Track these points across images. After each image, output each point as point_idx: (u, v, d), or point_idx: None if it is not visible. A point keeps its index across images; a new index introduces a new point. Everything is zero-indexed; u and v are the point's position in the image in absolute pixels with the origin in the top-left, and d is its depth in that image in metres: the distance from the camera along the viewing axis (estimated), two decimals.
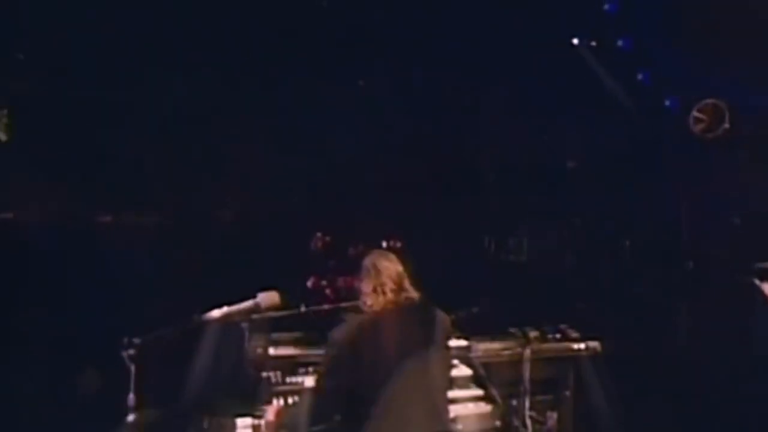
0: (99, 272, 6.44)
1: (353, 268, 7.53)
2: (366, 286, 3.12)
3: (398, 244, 7.82)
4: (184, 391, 3.41)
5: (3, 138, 7.81)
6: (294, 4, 7.10)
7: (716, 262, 5.41)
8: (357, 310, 3.29)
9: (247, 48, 7.01)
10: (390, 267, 3.14)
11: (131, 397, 2.84)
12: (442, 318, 3.16)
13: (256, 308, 2.78)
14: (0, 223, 7.72)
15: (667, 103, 6.86)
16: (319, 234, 7.98)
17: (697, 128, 5.70)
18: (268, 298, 2.81)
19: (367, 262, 3.20)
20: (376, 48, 7.60)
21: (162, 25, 6.97)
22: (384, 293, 3.07)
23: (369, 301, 3.10)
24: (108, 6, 6.84)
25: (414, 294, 3.13)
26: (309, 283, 7.15)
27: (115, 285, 6.24)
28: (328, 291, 7.05)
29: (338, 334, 3.06)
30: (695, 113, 5.75)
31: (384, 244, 7.93)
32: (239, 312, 2.77)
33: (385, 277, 3.10)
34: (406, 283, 3.15)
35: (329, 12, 7.40)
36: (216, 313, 2.75)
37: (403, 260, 3.14)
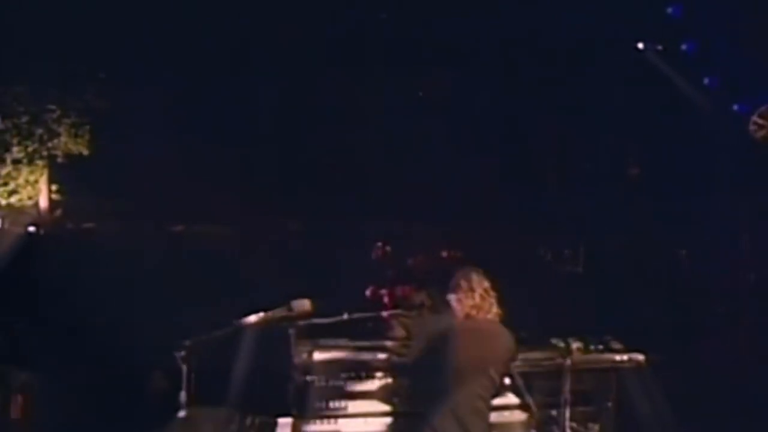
0: (171, 275, 6.79)
1: (411, 278, 7.61)
2: (456, 294, 3.39)
3: (458, 255, 7.86)
4: (229, 390, 3.61)
5: (85, 152, 8.34)
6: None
7: None
8: (401, 317, 3.53)
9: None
10: (480, 280, 3.44)
11: (183, 394, 3.05)
12: (507, 341, 3.36)
13: (288, 314, 2.95)
14: (82, 233, 8.22)
15: (736, 107, 6.64)
16: (379, 244, 8.11)
17: (758, 135, 5.48)
18: (300, 304, 2.99)
19: (460, 274, 3.50)
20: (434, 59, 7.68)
21: (227, 49, 7.28)
22: (472, 299, 3.33)
23: (459, 306, 3.37)
24: (186, 27, 7.21)
25: (494, 310, 3.33)
26: (367, 292, 7.30)
27: (185, 287, 6.58)
28: (386, 300, 7.17)
29: (418, 323, 3.48)
30: (756, 119, 5.54)
31: (444, 254, 7.99)
32: (273, 317, 2.95)
33: (475, 285, 3.38)
34: (492, 297, 3.39)
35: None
36: (252, 318, 2.93)
37: (491, 277, 3.37)
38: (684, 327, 5.06)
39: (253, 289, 6.89)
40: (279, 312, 2.93)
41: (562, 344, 3.89)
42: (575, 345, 3.86)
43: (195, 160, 7.94)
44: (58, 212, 8.33)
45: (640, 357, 3.86)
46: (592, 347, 3.87)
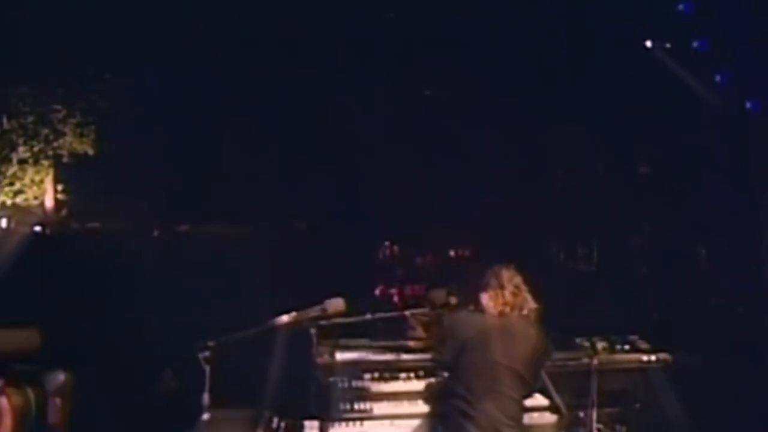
0: (177, 276, 6.74)
1: (420, 277, 7.54)
2: (487, 292, 3.35)
3: (466, 253, 7.80)
4: (256, 392, 3.54)
5: (90, 152, 8.28)
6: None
7: None
8: (422, 315, 3.47)
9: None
10: (511, 276, 3.36)
11: (206, 396, 2.98)
12: (538, 340, 3.34)
13: (322, 314, 2.88)
14: (88, 232, 8.16)
15: (749, 105, 6.59)
16: (386, 243, 8.04)
17: None
18: (334, 304, 2.91)
19: (490, 272, 3.47)
20: (444, 56, 7.62)
21: (232, 48, 7.22)
22: (503, 296, 3.27)
23: (491, 303, 3.31)
24: (191, 27, 7.16)
25: (529, 306, 3.29)
26: (377, 292, 7.24)
27: (191, 288, 6.53)
28: (395, 299, 7.11)
29: (451, 320, 3.41)
30: None
31: (452, 253, 7.93)
32: (307, 317, 2.88)
33: (505, 282, 3.32)
34: (524, 293, 3.33)
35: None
36: (285, 318, 2.86)
37: (522, 273, 3.31)
38: (703, 327, 4.99)
39: (260, 288, 6.85)
40: (312, 311, 2.86)
41: (586, 344, 3.84)
42: (600, 345, 3.80)
43: (200, 160, 7.88)
44: (64, 212, 8.26)
45: (668, 357, 3.80)
46: (618, 347, 3.81)
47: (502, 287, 3.28)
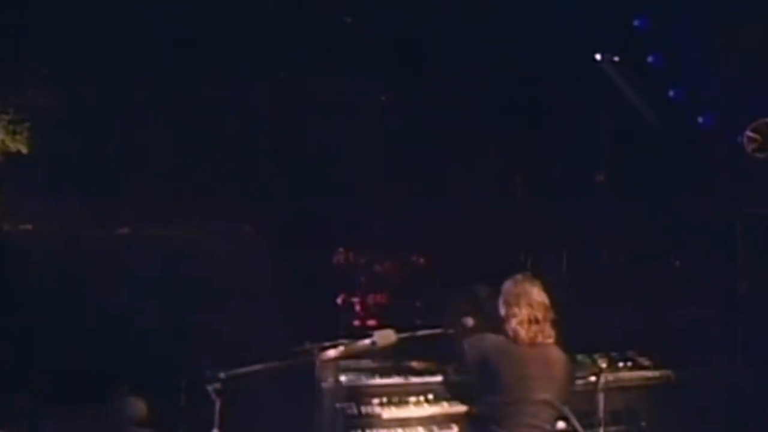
0: (115, 283, 6.37)
1: (380, 285, 7.38)
2: (514, 314, 3.09)
3: (422, 260, 7.74)
4: (263, 424, 3.32)
5: (23, 150, 7.74)
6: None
7: None
8: (439, 336, 3.33)
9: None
10: (539, 294, 3.17)
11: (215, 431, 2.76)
12: (569, 367, 3.30)
13: (372, 347, 2.69)
14: (20, 235, 7.62)
15: (700, 120, 6.84)
16: (341, 249, 7.87)
17: (750, 147, 5.67)
18: (384, 336, 2.73)
19: (517, 289, 3.19)
20: (400, 62, 7.56)
21: (183, 46, 6.90)
22: (537, 322, 3.09)
23: (519, 329, 3.07)
24: (133, 21, 6.78)
25: (551, 331, 3.15)
26: (338, 300, 7.06)
27: (131, 295, 6.18)
28: (358, 308, 6.96)
29: (483, 347, 3.15)
30: (749, 133, 5.73)
31: (414, 259, 7.84)
32: (355, 350, 2.68)
33: (535, 305, 3.12)
34: (552, 315, 3.17)
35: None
36: (332, 352, 2.65)
37: (547, 289, 3.16)
38: (676, 338, 5.09)
39: (208, 297, 6.54)
40: (361, 345, 2.66)
41: (588, 361, 3.82)
42: (601, 362, 3.79)
43: (143, 160, 7.52)
44: None
45: (670, 373, 3.83)
46: (620, 365, 3.81)
47: (530, 306, 3.13)
